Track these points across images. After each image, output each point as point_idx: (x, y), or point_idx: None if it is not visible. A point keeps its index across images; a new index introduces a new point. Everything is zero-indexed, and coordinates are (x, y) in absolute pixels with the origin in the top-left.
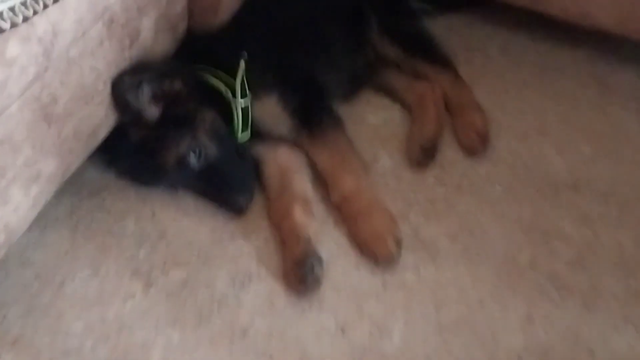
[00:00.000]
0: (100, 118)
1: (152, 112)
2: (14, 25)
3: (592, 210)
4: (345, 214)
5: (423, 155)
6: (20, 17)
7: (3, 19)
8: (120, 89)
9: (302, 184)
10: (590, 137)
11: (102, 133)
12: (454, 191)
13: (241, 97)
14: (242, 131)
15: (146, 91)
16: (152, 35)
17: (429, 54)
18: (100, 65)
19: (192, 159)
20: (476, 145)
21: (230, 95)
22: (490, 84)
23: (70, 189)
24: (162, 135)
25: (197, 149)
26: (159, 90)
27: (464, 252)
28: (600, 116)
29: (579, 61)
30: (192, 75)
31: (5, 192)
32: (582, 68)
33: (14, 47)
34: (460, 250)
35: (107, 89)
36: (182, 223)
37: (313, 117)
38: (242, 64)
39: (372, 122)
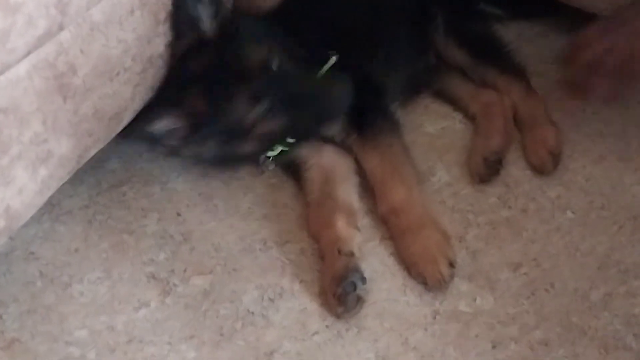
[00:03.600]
0: (125, 99)
1: (211, 27)
2: None
3: None
4: (392, 229)
5: (486, 170)
6: None
7: None
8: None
9: (348, 192)
10: None
11: (127, 117)
12: (519, 215)
13: None
14: None
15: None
16: None
17: (500, 60)
18: (129, 38)
19: (275, 64)
20: (546, 163)
21: None
22: (564, 100)
23: (89, 179)
24: (232, 50)
25: (276, 59)
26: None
27: (528, 285)
28: None
29: None
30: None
31: (7, 171)
32: None
33: None
34: (524, 282)
35: (136, 67)
36: (209, 226)
37: (366, 117)
38: (333, 59)
39: (429, 131)
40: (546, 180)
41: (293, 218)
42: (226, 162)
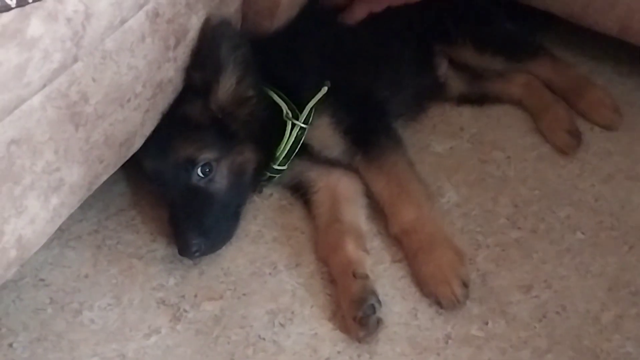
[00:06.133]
0: (135, 125)
1: (229, 80)
2: None
3: None
4: (405, 249)
5: (573, 139)
6: None
7: None
8: (219, 32)
9: (355, 214)
10: None
11: (138, 142)
12: (529, 236)
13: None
14: (283, 160)
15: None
16: None
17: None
18: (140, 64)
19: (197, 173)
20: (611, 118)
21: (290, 116)
22: None
23: (97, 204)
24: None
25: (210, 170)
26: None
27: (540, 308)
28: None
29: None
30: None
31: (20, 201)
32: None
33: (36, 25)
34: (536, 305)
35: (147, 92)
36: (219, 250)
37: (368, 137)
38: (324, 90)
39: (437, 150)
40: (555, 200)
41: (303, 241)
42: None
